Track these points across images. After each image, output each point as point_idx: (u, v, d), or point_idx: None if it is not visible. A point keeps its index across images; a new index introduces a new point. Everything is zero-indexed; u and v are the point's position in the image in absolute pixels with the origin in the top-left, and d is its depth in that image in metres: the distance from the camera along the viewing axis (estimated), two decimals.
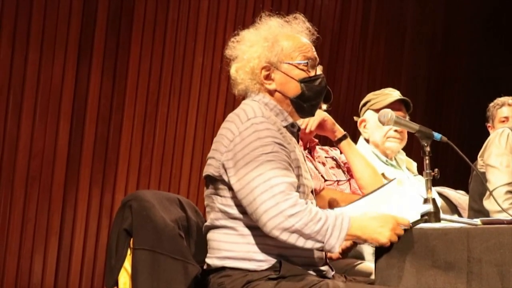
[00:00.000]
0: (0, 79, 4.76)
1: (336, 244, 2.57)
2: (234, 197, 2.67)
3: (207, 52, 5.73)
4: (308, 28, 2.89)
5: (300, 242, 2.56)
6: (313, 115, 2.96)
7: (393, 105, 3.72)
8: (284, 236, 2.55)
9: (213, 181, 2.73)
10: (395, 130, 3.82)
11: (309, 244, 2.57)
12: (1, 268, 4.81)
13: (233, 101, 5.67)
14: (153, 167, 5.48)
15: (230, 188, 2.67)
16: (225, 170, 2.66)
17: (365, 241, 2.66)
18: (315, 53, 2.85)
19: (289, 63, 2.79)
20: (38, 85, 4.92)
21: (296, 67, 2.80)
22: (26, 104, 4.87)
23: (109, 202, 5.27)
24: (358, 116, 3.94)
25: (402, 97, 3.84)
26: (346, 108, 6.42)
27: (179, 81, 5.61)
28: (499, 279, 2.51)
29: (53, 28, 4.97)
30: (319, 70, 2.86)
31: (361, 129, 3.91)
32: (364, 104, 3.92)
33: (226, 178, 2.67)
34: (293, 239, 2.55)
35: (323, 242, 2.56)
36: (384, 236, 2.61)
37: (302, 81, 2.79)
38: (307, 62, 2.80)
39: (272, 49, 2.79)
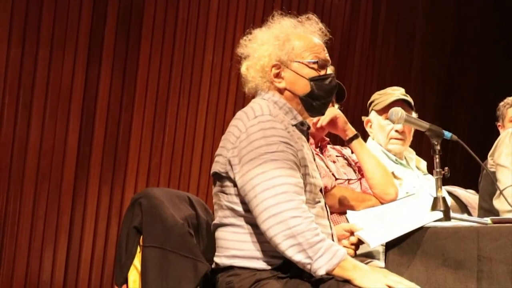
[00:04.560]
0: (10, 79, 4.78)
1: (323, 267, 2.49)
2: (240, 194, 2.67)
3: (216, 51, 5.74)
4: (321, 29, 2.89)
5: (290, 252, 2.51)
6: (322, 114, 2.96)
7: (394, 105, 3.68)
8: (278, 239, 2.52)
9: (220, 179, 2.73)
10: (396, 131, 3.81)
11: (298, 257, 2.51)
12: (11, 266, 4.83)
13: (242, 99, 5.67)
14: (162, 165, 5.48)
15: (236, 185, 2.67)
16: (231, 167, 2.67)
17: (353, 280, 2.52)
18: (326, 54, 2.85)
19: (299, 62, 2.80)
20: (48, 85, 4.94)
21: (307, 65, 2.80)
22: (36, 103, 4.88)
23: (119, 200, 5.27)
24: (367, 115, 3.94)
25: (403, 97, 3.82)
26: (356, 109, 6.41)
27: (188, 79, 5.61)
28: (509, 277, 2.51)
29: (63, 28, 4.98)
30: (330, 70, 2.86)
31: (367, 129, 3.92)
32: (370, 104, 3.93)
33: (232, 175, 2.67)
34: (285, 245, 2.51)
35: (311, 260, 2.50)
36: (379, 281, 2.50)
37: (312, 79, 2.79)
38: (317, 61, 2.80)
39: (283, 47, 2.79)
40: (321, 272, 2.50)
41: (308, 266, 2.52)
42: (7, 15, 4.74)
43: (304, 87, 2.80)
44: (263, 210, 2.54)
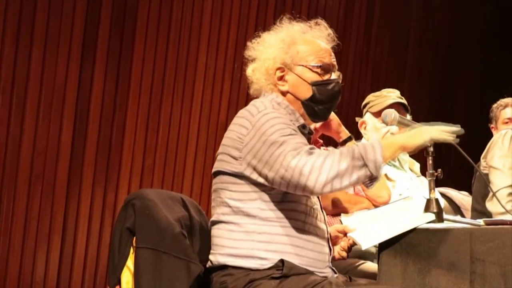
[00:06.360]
0: (3, 78, 4.77)
1: (377, 156, 2.53)
2: (248, 192, 2.67)
3: (210, 52, 5.74)
4: (330, 34, 2.91)
5: (346, 181, 2.53)
6: (325, 119, 2.97)
7: (391, 108, 3.68)
8: (327, 189, 2.52)
9: (226, 176, 2.72)
10: (392, 133, 3.81)
11: (354, 176, 2.53)
12: (4, 266, 4.82)
13: (236, 100, 5.67)
14: (156, 166, 5.48)
15: (246, 183, 2.67)
16: (253, 168, 2.64)
17: (410, 148, 2.66)
18: (333, 59, 2.87)
19: (303, 66, 2.82)
20: (41, 84, 4.93)
21: (310, 70, 2.82)
22: (30, 102, 4.87)
23: (112, 201, 5.27)
24: (361, 116, 3.94)
25: (399, 100, 3.83)
26: (350, 108, 6.41)
27: (182, 80, 5.61)
28: (502, 279, 2.52)
29: (57, 27, 4.97)
30: (335, 75, 2.86)
31: (361, 130, 3.92)
32: (365, 106, 3.93)
33: (248, 173, 2.66)
34: (337, 185, 2.53)
35: (365, 164, 2.52)
36: (425, 134, 2.65)
37: (314, 84, 2.81)
38: (320, 66, 2.82)
39: (288, 51, 2.82)
40: (380, 161, 2.54)
41: (369, 173, 2.55)
42: (1, 14, 4.73)
43: (306, 91, 2.81)
44: (299, 178, 2.52)
